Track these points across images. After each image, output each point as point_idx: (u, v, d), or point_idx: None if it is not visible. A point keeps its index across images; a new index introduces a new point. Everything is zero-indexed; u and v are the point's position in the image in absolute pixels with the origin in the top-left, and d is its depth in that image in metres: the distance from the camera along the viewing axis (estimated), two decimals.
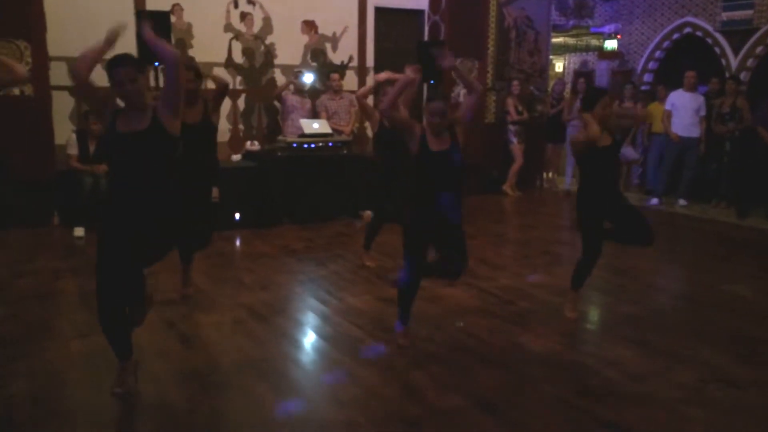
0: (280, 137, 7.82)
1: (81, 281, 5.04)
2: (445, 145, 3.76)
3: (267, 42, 8.89)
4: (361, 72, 9.51)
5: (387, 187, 5.41)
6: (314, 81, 8.90)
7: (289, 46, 9.00)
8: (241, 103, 8.58)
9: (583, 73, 11.42)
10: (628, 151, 9.49)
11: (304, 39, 9.15)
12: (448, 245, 3.87)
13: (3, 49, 6.54)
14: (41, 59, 6.90)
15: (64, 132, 7.12)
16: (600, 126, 4.15)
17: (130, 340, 3.29)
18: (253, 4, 8.74)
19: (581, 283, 4.47)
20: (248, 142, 7.99)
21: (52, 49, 7.16)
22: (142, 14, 6.29)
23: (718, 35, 9.39)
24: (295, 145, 7.24)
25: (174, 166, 3.21)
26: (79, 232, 6.47)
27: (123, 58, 3.05)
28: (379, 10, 9.53)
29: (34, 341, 3.92)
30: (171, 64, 3.12)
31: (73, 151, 6.66)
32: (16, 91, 6.75)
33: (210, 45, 8.41)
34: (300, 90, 8.20)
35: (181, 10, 8.32)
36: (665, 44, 10.29)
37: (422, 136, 3.77)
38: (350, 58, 9.47)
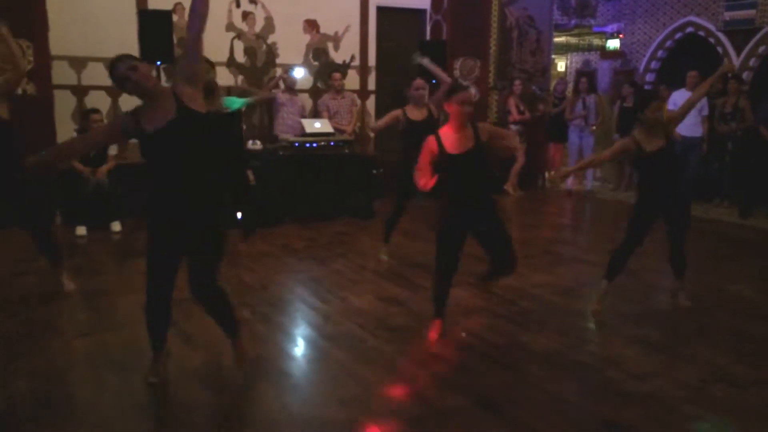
0: (282, 136, 7.82)
1: (83, 280, 5.05)
2: (469, 144, 3.79)
3: (269, 41, 8.90)
4: (363, 71, 9.51)
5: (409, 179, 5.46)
6: (304, 76, 8.88)
7: (291, 46, 9.01)
8: None
9: (585, 73, 11.41)
10: None
11: (306, 38, 9.16)
12: (492, 242, 4.01)
13: (5, 49, 6.54)
14: (43, 58, 6.91)
15: (66, 131, 7.13)
16: (648, 129, 4.37)
17: (167, 334, 3.39)
18: (255, 3, 8.75)
19: (615, 275, 4.59)
20: (250, 141, 7.99)
21: (55, 49, 7.17)
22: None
23: (720, 35, 9.38)
24: (296, 144, 7.24)
25: (210, 150, 3.23)
26: (80, 231, 6.48)
27: (116, 58, 3.07)
28: (381, 10, 9.53)
29: (36, 340, 3.93)
30: (200, 13, 3.18)
31: None
32: (18, 90, 6.75)
33: (212, 44, 8.37)
34: (290, 87, 8.12)
35: (183, 9, 8.31)
36: (668, 44, 10.29)
37: (438, 145, 3.80)
38: (352, 58, 9.47)
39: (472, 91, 5.52)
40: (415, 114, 5.47)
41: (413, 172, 5.32)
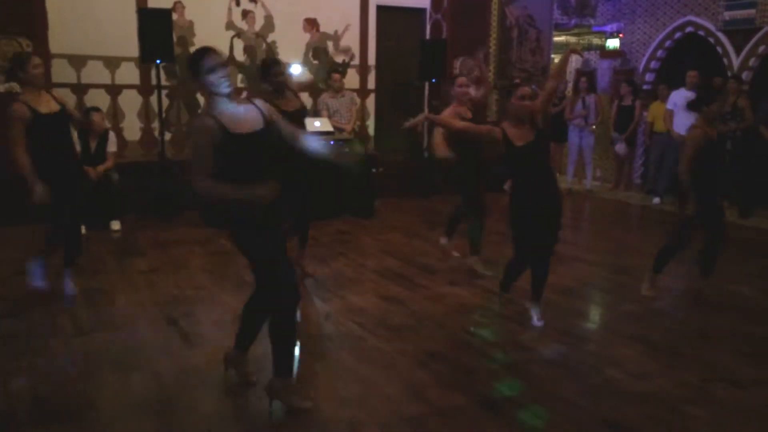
0: None
1: (83, 279, 5.04)
2: (530, 136, 4.01)
3: (269, 40, 8.90)
4: (363, 70, 9.51)
5: (470, 179, 5.40)
6: (301, 73, 8.87)
7: (290, 44, 9.01)
8: None
9: (584, 72, 11.41)
10: (620, 147, 9.56)
11: (306, 37, 9.16)
12: (548, 228, 4.17)
13: (6, 47, 6.55)
14: (43, 56, 6.86)
15: None
16: (711, 120, 4.66)
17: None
18: (255, 1, 8.76)
19: (660, 268, 4.92)
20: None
21: (54, 47, 7.17)
22: None
23: (720, 34, 9.37)
24: None
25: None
26: None
27: (206, 49, 3.02)
28: (380, 9, 9.53)
29: (36, 338, 3.92)
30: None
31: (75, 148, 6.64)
32: (17, 88, 6.74)
33: (211, 43, 8.25)
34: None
35: (183, 7, 8.32)
36: (667, 43, 10.27)
37: (504, 136, 4.02)
38: (352, 56, 9.46)
39: (472, 91, 5.49)
40: (462, 111, 5.40)
41: (471, 169, 5.34)
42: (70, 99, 7.59)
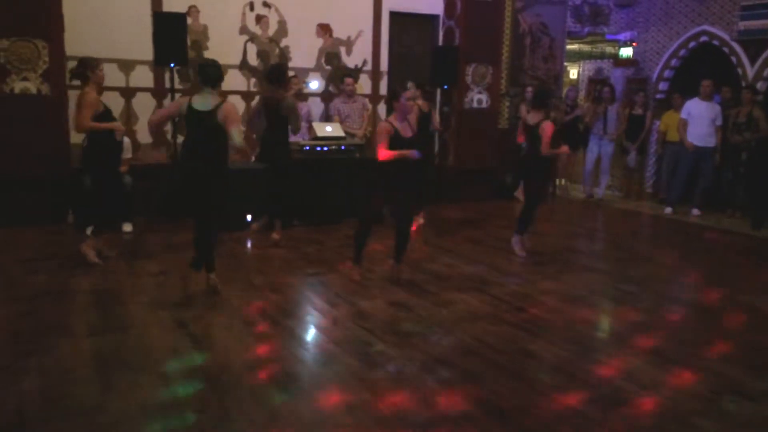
0: (292, 140, 7.80)
1: (95, 279, 5.08)
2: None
3: (282, 45, 8.94)
4: (375, 76, 9.53)
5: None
6: (319, 87, 8.95)
7: (303, 49, 9.05)
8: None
9: (598, 81, 11.38)
10: (631, 158, 9.56)
11: (319, 42, 9.20)
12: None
13: (21, 49, 6.61)
14: (58, 58, 6.96)
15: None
16: None
17: None
18: (269, 6, 8.80)
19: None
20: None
21: (70, 49, 7.22)
22: None
23: (734, 44, 9.32)
24: (307, 147, 7.25)
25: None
26: (90, 231, 6.49)
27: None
28: (393, 15, 9.56)
29: (47, 338, 3.94)
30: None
31: None
32: (33, 90, 6.81)
33: (225, 47, 8.46)
34: (297, 94, 8.05)
35: (198, 11, 8.38)
36: (681, 53, 10.23)
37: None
38: (364, 62, 9.50)
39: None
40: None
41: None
42: None
